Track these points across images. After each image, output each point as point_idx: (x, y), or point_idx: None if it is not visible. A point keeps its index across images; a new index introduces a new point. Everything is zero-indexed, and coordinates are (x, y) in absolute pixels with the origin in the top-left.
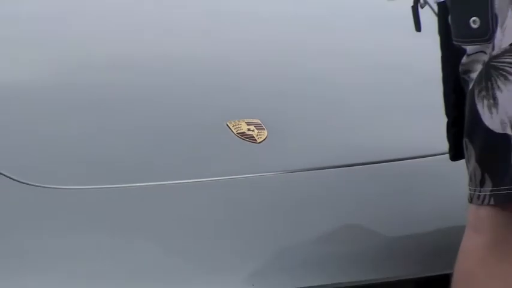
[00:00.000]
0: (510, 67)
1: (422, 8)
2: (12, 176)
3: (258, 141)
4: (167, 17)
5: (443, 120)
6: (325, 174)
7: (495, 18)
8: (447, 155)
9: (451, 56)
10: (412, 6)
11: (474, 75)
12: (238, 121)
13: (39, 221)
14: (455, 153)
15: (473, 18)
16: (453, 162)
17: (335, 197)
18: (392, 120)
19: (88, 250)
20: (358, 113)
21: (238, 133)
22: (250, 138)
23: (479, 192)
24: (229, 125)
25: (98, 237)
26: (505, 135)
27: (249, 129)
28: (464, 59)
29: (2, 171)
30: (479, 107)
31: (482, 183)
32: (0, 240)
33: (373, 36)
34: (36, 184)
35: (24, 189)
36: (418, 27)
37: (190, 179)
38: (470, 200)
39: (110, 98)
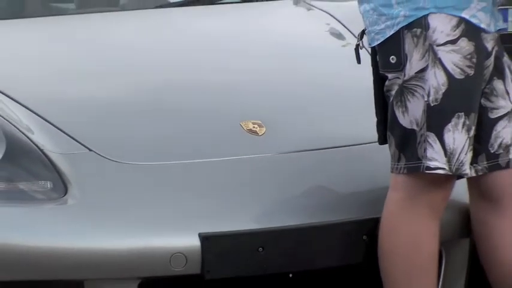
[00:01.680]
0: (415, 87)
1: (361, 49)
2: (103, 155)
3: (259, 134)
4: (197, 57)
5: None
6: (301, 154)
7: (405, 56)
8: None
9: (379, 80)
10: (355, 48)
11: (393, 92)
12: (247, 122)
13: (121, 186)
14: (382, 140)
15: (392, 56)
16: (381, 146)
17: (308, 168)
18: (346, 120)
19: (160, 203)
20: (324, 115)
21: (247, 129)
22: (254, 133)
23: (397, 165)
24: (241, 124)
25: (164, 195)
26: (413, 130)
27: (254, 127)
28: (387, 82)
29: (94, 150)
30: (397, 112)
31: (399, 160)
32: (99, 199)
33: (334, 68)
34: (118, 160)
35: (112, 165)
36: (358, 61)
37: (219, 158)
38: (392, 171)
39: (168, 106)
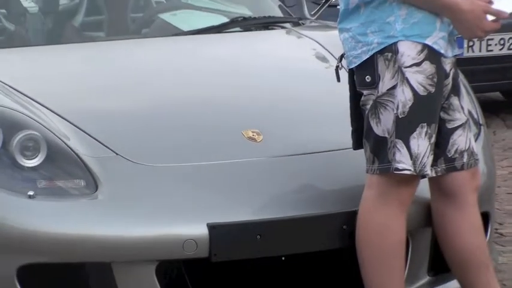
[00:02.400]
0: (387, 102)
1: (340, 70)
2: (128, 158)
3: (258, 141)
4: (206, 77)
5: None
6: (293, 158)
7: (378, 76)
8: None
9: (355, 95)
10: (335, 69)
11: (368, 106)
12: (247, 130)
13: (142, 184)
14: (356, 146)
15: (367, 76)
16: (356, 151)
17: (298, 169)
18: (329, 129)
19: (174, 198)
20: (311, 125)
21: (247, 137)
22: (253, 140)
23: (372, 167)
24: (243, 132)
25: (178, 191)
26: (384, 137)
27: (253, 135)
28: (362, 98)
29: (120, 154)
30: (371, 122)
31: (373, 163)
32: (128, 197)
33: (319, 85)
34: (140, 162)
35: (135, 167)
36: (338, 80)
37: (224, 160)
38: (367, 172)
39: (182, 117)
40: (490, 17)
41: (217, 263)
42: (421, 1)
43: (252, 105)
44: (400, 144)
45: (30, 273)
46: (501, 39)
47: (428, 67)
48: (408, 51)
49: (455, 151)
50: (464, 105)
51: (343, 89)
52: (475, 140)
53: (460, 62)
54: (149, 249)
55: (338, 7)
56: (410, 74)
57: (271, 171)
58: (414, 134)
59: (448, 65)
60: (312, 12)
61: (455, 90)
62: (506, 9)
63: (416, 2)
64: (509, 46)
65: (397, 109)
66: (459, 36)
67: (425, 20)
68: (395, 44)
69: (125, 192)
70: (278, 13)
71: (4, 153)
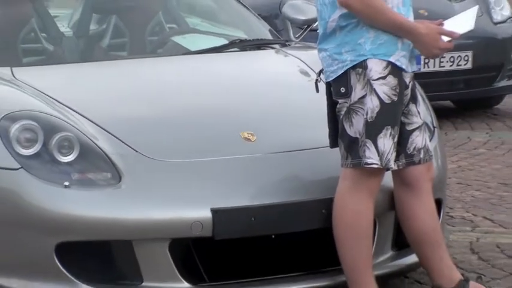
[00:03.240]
0: (358, 109)
1: (319, 83)
2: (145, 155)
3: (252, 141)
4: (210, 88)
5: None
6: (281, 154)
7: (351, 88)
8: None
9: (331, 103)
10: (315, 82)
11: (343, 112)
12: (243, 132)
13: (157, 175)
14: (332, 145)
15: (342, 87)
16: (332, 149)
17: (286, 164)
18: (310, 130)
19: (184, 187)
20: (296, 127)
21: (243, 137)
22: (248, 140)
23: (346, 162)
24: (240, 134)
25: (187, 181)
26: (356, 138)
27: (248, 136)
28: (338, 105)
29: (139, 151)
30: (345, 125)
31: (347, 158)
32: (143, 191)
33: (302, 95)
34: (155, 158)
35: (151, 162)
36: (317, 90)
37: (224, 157)
38: (342, 165)
39: (190, 121)
40: (445, 38)
41: (219, 240)
42: (386, 26)
43: (247, 111)
44: (369, 143)
45: (66, 249)
46: (451, 57)
47: (392, 80)
48: (376, 67)
49: (414, 148)
50: (421, 111)
51: (321, 98)
52: (430, 140)
53: (418, 76)
54: (163, 229)
55: (318, 31)
56: (377, 85)
57: (264, 166)
58: (381, 135)
59: (408, 78)
60: (297, 36)
61: (414, 99)
62: (457, 30)
63: (382, 27)
64: (457, 63)
65: (367, 114)
66: (419, 54)
67: (390, 42)
68: (365, 61)
69: (143, 182)
70: (268, 36)
71: (45, 151)
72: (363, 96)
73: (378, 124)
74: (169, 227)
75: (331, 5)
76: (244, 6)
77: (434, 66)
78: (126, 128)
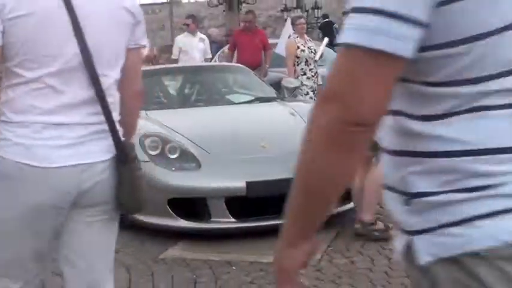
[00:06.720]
0: None
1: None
2: (209, 152)
3: (266, 148)
4: (243, 122)
5: None
6: (283, 155)
7: None
8: None
9: None
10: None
11: None
12: (260, 142)
13: (214, 163)
14: None
15: None
16: None
17: (285, 160)
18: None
19: (230, 169)
20: (293, 145)
21: (260, 146)
22: (264, 147)
23: None
24: (260, 143)
25: (230, 167)
26: None
27: (264, 145)
28: None
29: (209, 152)
30: None
31: None
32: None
33: (294, 127)
34: (218, 156)
35: (215, 157)
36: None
37: (250, 156)
38: None
39: (231, 139)
40: None
41: (250, 197)
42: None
43: (263, 132)
44: None
45: (174, 202)
46: None
47: None
48: None
49: None
50: None
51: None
52: None
53: None
54: (221, 192)
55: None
56: None
57: (274, 162)
58: None
59: None
60: (288, 95)
61: None
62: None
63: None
64: None
65: None
66: None
67: None
68: None
69: (211, 168)
70: (274, 95)
71: (162, 154)
72: None
73: None
74: (225, 190)
75: None
76: (262, 80)
77: None
78: (203, 141)
